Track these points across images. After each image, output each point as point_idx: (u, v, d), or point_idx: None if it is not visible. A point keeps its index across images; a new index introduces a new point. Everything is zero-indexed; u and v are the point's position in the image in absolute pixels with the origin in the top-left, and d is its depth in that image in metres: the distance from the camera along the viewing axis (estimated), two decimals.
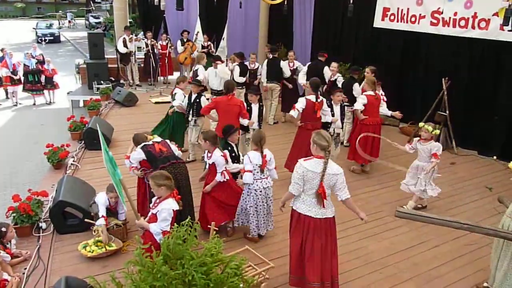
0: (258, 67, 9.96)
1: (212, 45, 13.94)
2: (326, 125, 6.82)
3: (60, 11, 48.40)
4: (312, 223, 4.03)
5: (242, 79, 9.65)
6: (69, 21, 45.52)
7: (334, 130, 6.90)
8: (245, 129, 6.99)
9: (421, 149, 6.01)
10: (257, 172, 5.04)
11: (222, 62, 9.35)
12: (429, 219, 3.94)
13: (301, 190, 4.06)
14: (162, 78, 13.94)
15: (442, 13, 8.86)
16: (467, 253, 5.26)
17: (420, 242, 5.43)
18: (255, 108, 7.06)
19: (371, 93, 7.22)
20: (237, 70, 9.63)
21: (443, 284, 4.67)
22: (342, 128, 7.19)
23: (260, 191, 5.08)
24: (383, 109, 7.41)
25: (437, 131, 6.04)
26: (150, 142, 5.12)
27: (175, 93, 7.68)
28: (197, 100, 7.30)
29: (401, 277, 4.77)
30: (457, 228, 4.01)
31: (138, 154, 5.07)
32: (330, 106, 6.81)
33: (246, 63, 9.87)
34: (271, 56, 9.99)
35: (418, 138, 6.14)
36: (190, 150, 7.77)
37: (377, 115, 7.32)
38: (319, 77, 7.65)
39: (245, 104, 6.95)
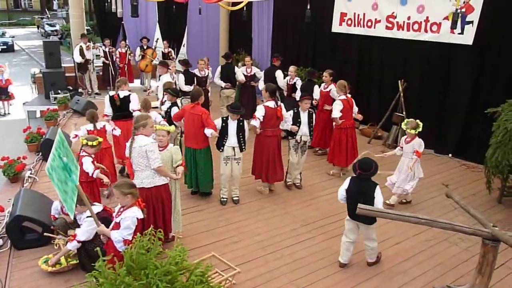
0: (208, 74, 9.65)
1: (172, 52, 13.84)
2: (292, 133, 6.80)
3: (37, 17, 46.98)
4: (144, 192, 4.69)
5: (189, 88, 8.89)
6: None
7: (301, 137, 6.87)
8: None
9: (405, 148, 6.34)
10: None
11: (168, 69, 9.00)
12: (388, 215, 4.08)
13: None
14: None
15: (396, 17, 9.19)
16: (427, 249, 5.44)
17: (382, 240, 5.56)
18: (232, 125, 6.21)
19: (344, 97, 7.32)
20: (181, 78, 9.11)
21: (405, 279, 4.81)
22: (309, 136, 6.93)
23: None
24: (354, 114, 7.52)
25: (419, 128, 6.21)
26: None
27: (165, 101, 7.37)
28: (169, 110, 6.95)
29: (365, 275, 4.87)
30: (415, 223, 4.14)
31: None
32: (297, 113, 6.75)
33: (195, 70, 9.58)
34: (224, 62, 9.79)
35: (404, 137, 6.43)
36: None
37: (351, 118, 7.44)
38: (274, 82, 7.68)
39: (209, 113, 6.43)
